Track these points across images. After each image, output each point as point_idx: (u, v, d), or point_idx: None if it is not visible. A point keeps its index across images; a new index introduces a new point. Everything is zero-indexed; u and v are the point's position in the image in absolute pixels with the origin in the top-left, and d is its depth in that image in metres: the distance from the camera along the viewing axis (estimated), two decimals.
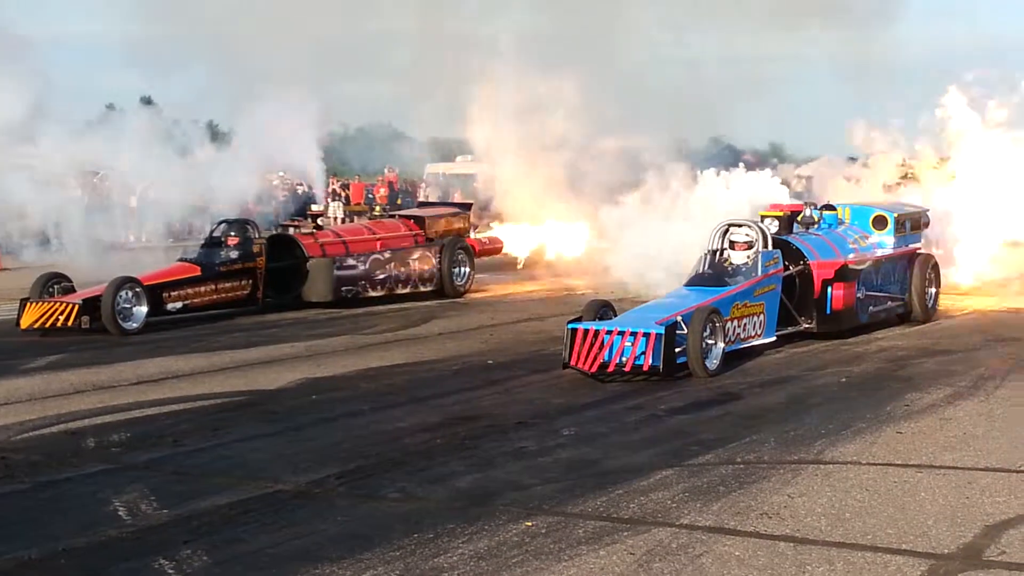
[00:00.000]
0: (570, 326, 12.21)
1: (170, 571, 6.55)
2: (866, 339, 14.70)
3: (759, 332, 13.72)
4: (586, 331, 12.07)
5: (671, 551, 6.74)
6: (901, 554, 6.65)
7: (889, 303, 15.90)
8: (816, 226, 15.89)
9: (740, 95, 31.87)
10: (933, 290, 16.66)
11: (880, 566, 6.45)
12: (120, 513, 7.64)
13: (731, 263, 13.94)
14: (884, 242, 16.09)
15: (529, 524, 7.26)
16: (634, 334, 11.96)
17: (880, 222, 16.20)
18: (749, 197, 17.32)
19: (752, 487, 8.06)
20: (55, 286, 15.96)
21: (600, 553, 6.72)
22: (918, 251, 16.70)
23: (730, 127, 33.27)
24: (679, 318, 12.31)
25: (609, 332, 12.03)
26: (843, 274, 14.75)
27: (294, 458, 8.97)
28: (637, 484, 8.13)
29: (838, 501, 7.70)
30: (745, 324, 13.43)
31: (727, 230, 14.19)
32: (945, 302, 17.30)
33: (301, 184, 26.56)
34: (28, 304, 15.49)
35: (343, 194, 45.37)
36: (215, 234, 17.75)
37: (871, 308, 15.40)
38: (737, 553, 6.70)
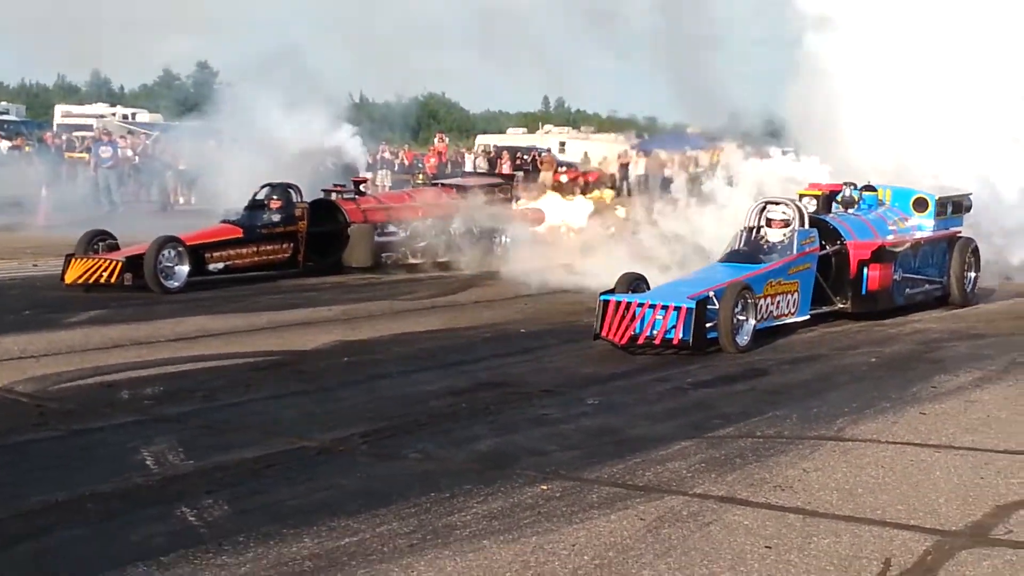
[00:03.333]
0: (602, 297, 12.32)
1: (191, 519, 6.73)
2: (901, 321, 14.70)
3: (792, 310, 13.76)
4: (618, 303, 12.16)
5: (681, 518, 6.85)
6: (908, 529, 6.73)
7: (927, 286, 15.86)
8: (856, 207, 15.88)
9: None
10: (972, 274, 16.58)
11: (885, 540, 6.53)
12: (147, 462, 7.83)
13: (767, 241, 13.96)
14: (924, 224, 16.04)
15: (544, 488, 7.38)
16: (665, 307, 12.05)
17: (921, 204, 16.15)
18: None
19: (769, 460, 8.14)
20: (100, 243, 16.26)
21: (611, 518, 6.84)
22: (959, 234, 16.63)
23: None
24: (711, 293, 12.39)
25: (640, 305, 12.12)
26: (880, 255, 14.73)
27: (321, 417, 9.15)
28: (655, 453, 8.24)
29: (852, 477, 7.77)
30: (778, 302, 13.47)
31: (764, 207, 14.23)
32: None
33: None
34: (73, 260, 15.77)
35: (395, 161, 45.60)
36: (258, 197, 17.98)
37: (908, 290, 15.38)
38: (746, 522, 6.80)
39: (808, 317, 14.07)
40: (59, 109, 60.84)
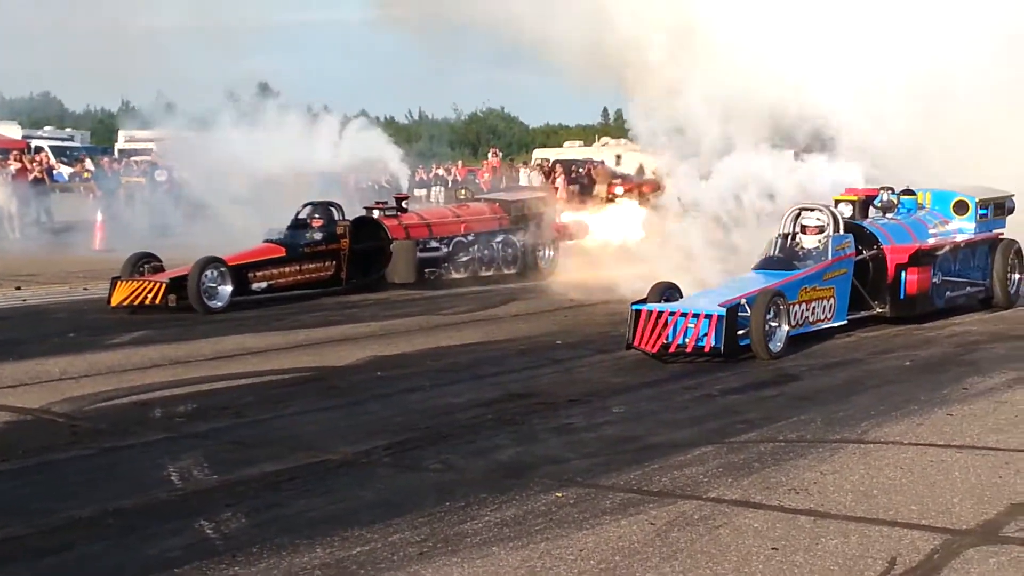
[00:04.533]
0: (634, 307, 12.37)
1: (209, 531, 6.86)
2: (940, 324, 14.62)
3: (828, 316, 13.74)
4: (649, 312, 12.21)
5: (691, 522, 6.90)
6: (918, 529, 6.73)
7: (968, 288, 15.76)
8: (895, 211, 15.81)
9: None
10: (1016, 276, 16.45)
11: (894, 540, 6.54)
12: (172, 478, 7.99)
13: (802, 247, 13.96)
14: (965, 228, 15.94)
15: (559, 495, 7.45)
16: (696, 315, 12.08)
17: (961, 207, 16.05)
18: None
19: (787, 464, 8.16)
20: (145, 265, 16.51)
21: (622, 523, 6.90)
22: (1001, 236, 16.50)
23: None
24: (743, 300, 12.41)
25: (672, 313, 12.16)
26: (917, 259, 14.66)
27: (347, 430, 9.28)
28: (674, 459, 8.28)
29: (869, 478, 7.78)
30: (813, 307, 13.46)
31: (799, 214, 14.23)
32: None
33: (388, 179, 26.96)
34: (118, 283, 16.04)
35: (447, 178, 45.91)
36: (300, 216, 18.21)
37: (948, 293, 15.29)
38: (756, 525, 6.83)
39: (845, 322, 14.04)
40: (122, 134, 61.71)
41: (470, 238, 19.44)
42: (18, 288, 18.47)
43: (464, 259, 19.27)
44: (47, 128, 56.92)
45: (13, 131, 50.58)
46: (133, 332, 14.17)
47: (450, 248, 19.21)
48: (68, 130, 62.39)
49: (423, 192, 43.02)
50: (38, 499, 7.55)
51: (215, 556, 6.43)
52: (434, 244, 19.08)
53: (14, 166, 32.38)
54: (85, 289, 18.54)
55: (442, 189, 44.53)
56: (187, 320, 15.23)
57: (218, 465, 8.25)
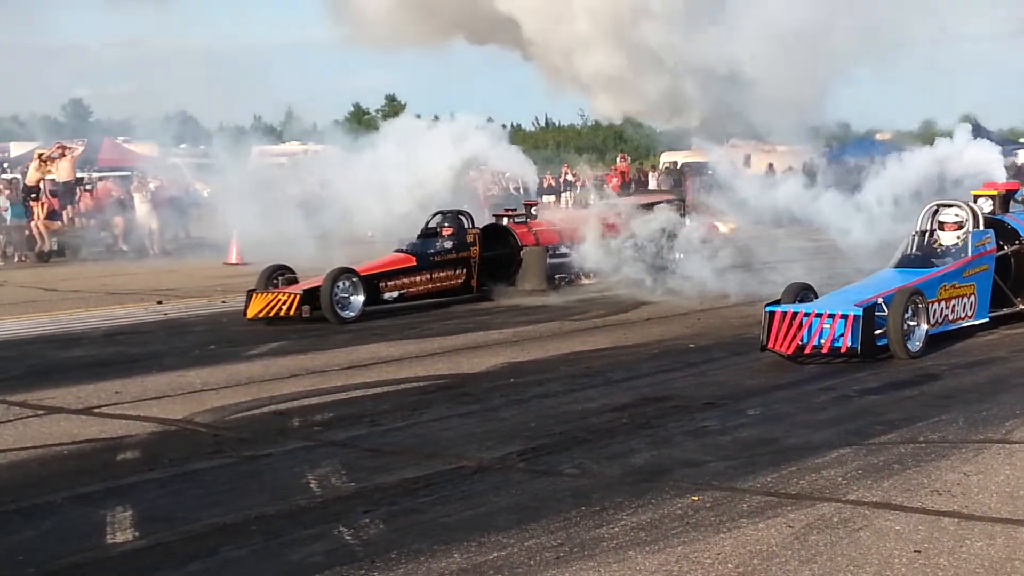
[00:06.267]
0: (767, 309, 12.24)
1: (347, 537, 6.96)
2: None
3: (969, 314, 13.44)
4: (784, 313, 12.07)
5: (831, 525, 6.80)
6: None
7: None
8: None
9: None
10: None
11: None
12: (311, 485, 8.11)
13: (940, 244, 13.69)
14: None
15: (695, 499, 7.40)
16: (832, 316, 11.91)
17: None
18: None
19: (928, 465, 8.00)
20: (279, 277, 16.77)
21: (759, 526, 6.83)
22: None
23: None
24: (880, 300, 12.19)
25: (807, 314, 12.00)
26: None
27: (482, 436, 9.32)
28: (811, 461, 8.18)
29: (1015, 479, 7.59)
30: (953, 305, 13.17)
31: (936, 210, 13.95)
32: None
33: (517, 186, 27.00)
34: (254, 295, 16.34)
35: (576, 184, 45.86)
36: (430, 225, 18.36)
37: None
38: (897, 527, 6.71)
39: (987, 320, 13.72)
40: (255, 149, 62.70)
41: (600, 242, 19.36)
42: (159, 303, 18.93)
43: (593, 264, 19.21)
44: (183, 146, 58.12)
45: (151, 150, 51.75)
46: (270, 343, 14.42)
47: (580, 253, 19.19)
48: (202, 147, 63.65)
49: (551, 198, 43.02)
50: (183, 506, 7.73)
51: (355, 562, 6.52)
52: (564, 250, 19.10)
53: (153, 184, 33.18)
54: (223, 302, 18.92)
55: (571, 194, 44.49)
56: (322, 330, 15.45)
57: (356, 472, 8.36)
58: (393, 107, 69.32)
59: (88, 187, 34.26)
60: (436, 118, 25.62)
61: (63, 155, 31.12)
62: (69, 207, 31.73)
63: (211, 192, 34.01)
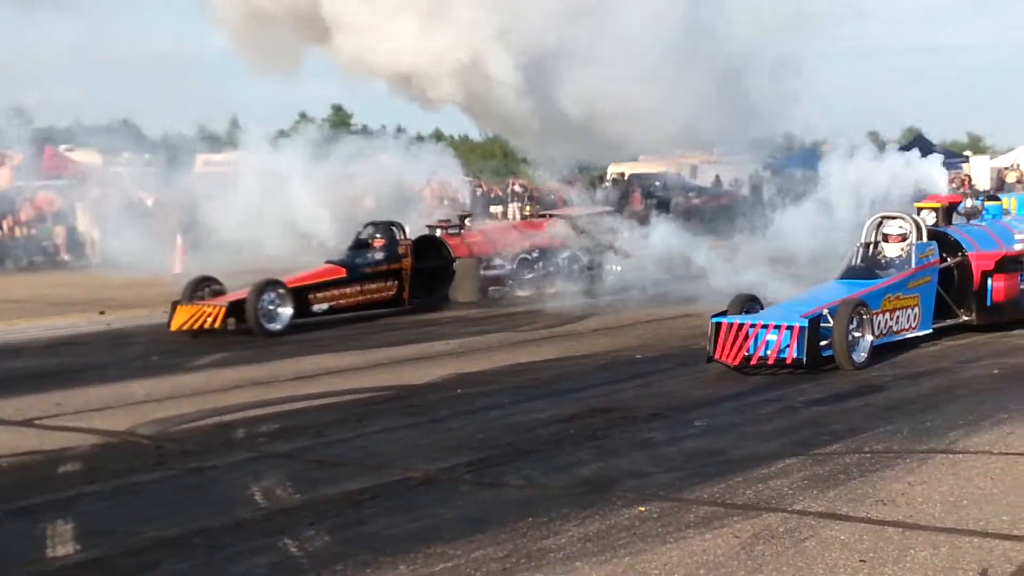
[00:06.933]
0: (714, 320, 12.28)
1: (293, 550, 6.88)
2: None
3: (913, 325, 13.54)
4: (730, 324, 12.11)
5: (777, 535, 6.81)
6: (1010, 539, 6.59)
7: None
8: (979, 217, 15.58)
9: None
10: None
11: (985, 551, 6.41)
12: (256, 497, 8.03)
13: (884, 256, 13.81)
14: None
15: (642, 509, 7.39)
16: (777, 327, 11.96)
17: None
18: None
19: (874, 475, 8.04)
20: (205, 289, 16.44)
21: (706, 536, 6.82)
22: None
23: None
24: (825, 311, 12.26)
25: (753, 325, 12.05)
26: (1003, 265, 14.43)
27: (428, 448, 9.27)
28: (757, 472, 8.19)
29: (958, 489, 7.64)
30: (898, 317, 13.27)
31: (880, 223, 14.06)
32: None
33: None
34: (178, 307, 15.97)
35: (524, 195, 45.84)
36: (361, 236, 18.14)
37: None
38: (843, 537, 6.73)
39: (931, 331, 13.83)
40: (200, 158, 62.19)
41: (534, 255, 19.35)
42: (102, 313, 18.73)
43: (528, 276, 19.18)
44: (126, 154, 57.57)
45: (92, 158, 51.25)
46: (214, 354, 14.29)
47: (514, 265, 19.13)
48: (147, 156, 63.05)
49: (498, 209, 42.99)
50: (126, 520, 7.62)
51: (300, 574, 6.46)
52: (498, 262, 19.01)
53: (95, 192, 32.82)
54: (166, 312, 18.70)
55: (519, 205, 44.46)
56: (266, 342, 15.33)
57: (301, 484, 8.28)
58: (340, 116, 69.01)
59: (28, 196, 33.87)
60: (383, 127, 25.60)
61: (1, 164, 30.75)
62: (9, 216, 31.36)
63: (154, 201, 33.81)
